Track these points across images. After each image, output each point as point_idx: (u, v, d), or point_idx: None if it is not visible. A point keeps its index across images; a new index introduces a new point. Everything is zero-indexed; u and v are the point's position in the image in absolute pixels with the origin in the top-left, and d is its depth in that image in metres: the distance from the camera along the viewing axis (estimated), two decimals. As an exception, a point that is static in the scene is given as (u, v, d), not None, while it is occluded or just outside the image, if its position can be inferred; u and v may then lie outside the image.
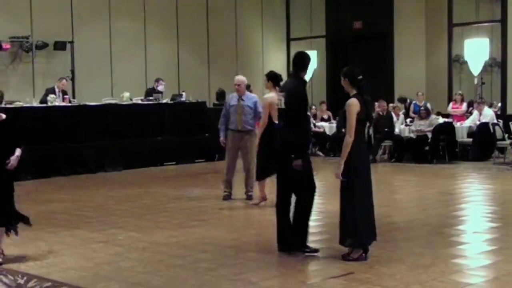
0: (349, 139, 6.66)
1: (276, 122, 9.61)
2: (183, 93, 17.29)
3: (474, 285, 5.91)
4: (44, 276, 6.31)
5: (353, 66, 7.02)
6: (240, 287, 5.90)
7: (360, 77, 6.81)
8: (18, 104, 14.18)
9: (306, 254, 7.01)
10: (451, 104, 17.96)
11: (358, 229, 6.70)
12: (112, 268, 6.63)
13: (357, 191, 6.70)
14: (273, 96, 9.63)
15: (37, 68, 17.62)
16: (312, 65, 21.06)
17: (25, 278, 6.24)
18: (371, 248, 6.79)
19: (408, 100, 18.25)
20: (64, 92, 15.48)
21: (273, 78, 9.73)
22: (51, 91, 15.14)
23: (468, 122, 16.48)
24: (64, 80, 15.63)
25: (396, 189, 12.35)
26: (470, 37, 19.72)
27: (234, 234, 8.20)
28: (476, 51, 19.08)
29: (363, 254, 6.72)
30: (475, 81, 19.52)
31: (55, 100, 14.64)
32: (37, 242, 7.84)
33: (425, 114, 16.04)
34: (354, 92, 6.79)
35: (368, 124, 7.03)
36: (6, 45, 16.68)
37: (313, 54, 22.19)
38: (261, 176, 9.95)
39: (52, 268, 6.67)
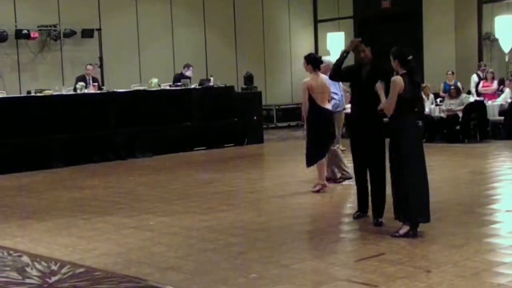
0: (386, 110, 6.84)
1: (324, 106, 9.51)
2: (211, 78, 17.27)
3: (508, 264, 5.85)
4: (77, 262, 6.36)
5: (401, 46, 7.07)
6: (271, 270, 5.90)
7: (410, 57, 6.83)
8: (48, 92, 14.30)
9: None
10: (481, 82, 17.73)
11: (405, 205, 6.82)
12: (144, 253, 6.67)
13: (403, 171, 6.98)
14: (312, 79, 9.49)
15: (65, 56, 17.76)
16: (340, 46, 21.12)
17: (58, 264, 6.30)
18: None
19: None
20: (94, 79, 15.57)
21: (313, 61, 9.48)
22: (81, 79, 15.22)
23: (500, 100, 16.27)
24: (89, 66, 15.67)
25: (427, 169, 12.20)
26: (501, 14, 19.40)
27: (264, 218, 8.20)
28: (507, 28, 18.76)
29: (411, 232, 6.74)
30: (506, 58, 19.24)
31: (84, 88, 14.73)
32: (70, 229, 7.92)
33: (455, 93, 15.85)
34: (403, 72, 6.79)
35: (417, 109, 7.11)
36: (34, 34, 16.85)
37: (340, 36, 22.08)
38: (308, 162, 9.73)
39: (85, 254, 6.72)
